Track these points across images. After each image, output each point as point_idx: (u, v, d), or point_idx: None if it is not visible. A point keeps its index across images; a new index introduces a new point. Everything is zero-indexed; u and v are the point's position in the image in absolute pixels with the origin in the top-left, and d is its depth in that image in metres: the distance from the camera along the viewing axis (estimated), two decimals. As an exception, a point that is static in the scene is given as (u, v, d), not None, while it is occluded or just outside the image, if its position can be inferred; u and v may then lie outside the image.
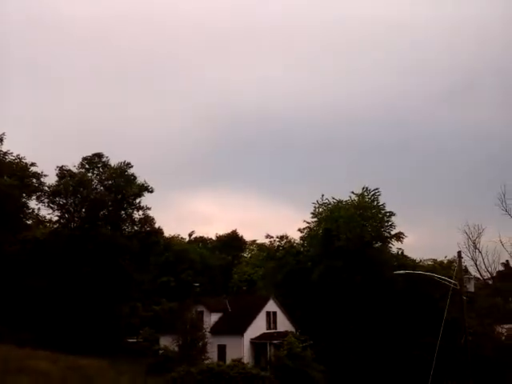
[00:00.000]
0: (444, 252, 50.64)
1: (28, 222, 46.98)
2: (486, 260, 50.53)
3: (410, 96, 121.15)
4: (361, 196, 47.88)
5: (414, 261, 45.27)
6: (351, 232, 43.63)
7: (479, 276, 50.37)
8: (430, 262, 44.54)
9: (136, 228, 47.45)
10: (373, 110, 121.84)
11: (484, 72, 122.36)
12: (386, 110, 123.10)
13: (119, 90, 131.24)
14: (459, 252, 26.04)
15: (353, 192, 48.16)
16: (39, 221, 48.61)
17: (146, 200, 47.79)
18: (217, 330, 39.63)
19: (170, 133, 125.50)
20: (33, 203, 45.60)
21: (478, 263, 50.80)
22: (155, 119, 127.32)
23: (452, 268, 35.97)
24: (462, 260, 25.85)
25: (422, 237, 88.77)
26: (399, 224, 46.33)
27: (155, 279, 61.78)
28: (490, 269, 50.79)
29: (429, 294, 39.17)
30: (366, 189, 47.84)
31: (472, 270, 48.02)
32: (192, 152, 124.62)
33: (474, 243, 50.57)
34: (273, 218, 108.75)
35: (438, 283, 28.87)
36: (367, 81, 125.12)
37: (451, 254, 43.75)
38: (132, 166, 47.72)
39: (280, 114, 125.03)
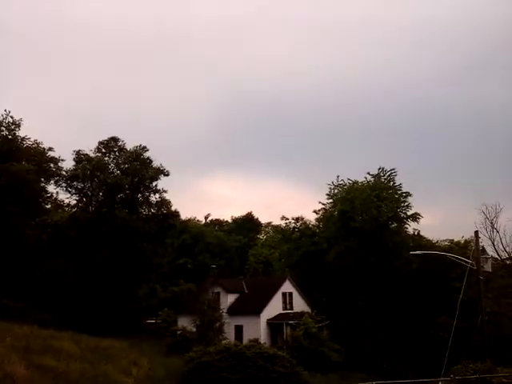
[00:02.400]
0: (461, 232, 50.01)
1: (47, 207, 47.67)
2: (503, 240, 50.03)
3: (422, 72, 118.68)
4: (377, 177, 47.63)
5: (430, 241, 45.03)
6: (367, 213, 43.53)
7: (497, 256, 49.91)
8: (446, 243, 44.29)
9: (153, 211, 47.85)
10: (386, 88, 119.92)
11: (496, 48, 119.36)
12: (399, 88, 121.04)
13: (133, 73, 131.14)
14: (476, 232, 25.89)
15: (368, 173, 47.97)
16: (58, 205, 49.35)
17: (162, 183, 48.18)
18: (234, 310, 40.16)
19: (184, 115, 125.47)
20: (51, 188, 46.20)
21: (495, 243, 50.35)
22: (171, 102, 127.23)
23: (469, 248, 35.85)
24: (480, 240, 25.70)
25: (438, 217, 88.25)
26: (415, 204, 46.12)
27: (173, 261, 62.59)
28: (507, 248, 50.29)
29: (445, 275, 39.08)
30: (381, 169, 47.59)
31: (489, 250, 47.42)
32: (207, 134, 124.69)
33: (491, 223, 50.11)
34: (288, 200, 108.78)
35: (454, 263, 28.85)
36: (373, 57, 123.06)
37: (468, 234, 43.45)
38: (148, 150, 47.98)
39: (294, 94, 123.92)
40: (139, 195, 47.50)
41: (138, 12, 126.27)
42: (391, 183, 47.16)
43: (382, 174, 47.50)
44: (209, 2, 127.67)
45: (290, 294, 42.55)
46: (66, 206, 49.54)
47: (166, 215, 47.54)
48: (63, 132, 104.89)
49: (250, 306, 40.30)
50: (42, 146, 45.23)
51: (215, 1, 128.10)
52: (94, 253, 41.33)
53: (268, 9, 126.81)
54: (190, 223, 75.78)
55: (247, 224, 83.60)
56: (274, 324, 39.51)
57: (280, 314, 40.27)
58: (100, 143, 47.70)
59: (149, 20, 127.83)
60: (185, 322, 37.42)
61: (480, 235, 24.51)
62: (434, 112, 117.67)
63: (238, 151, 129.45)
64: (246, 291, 43.04)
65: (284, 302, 41.84)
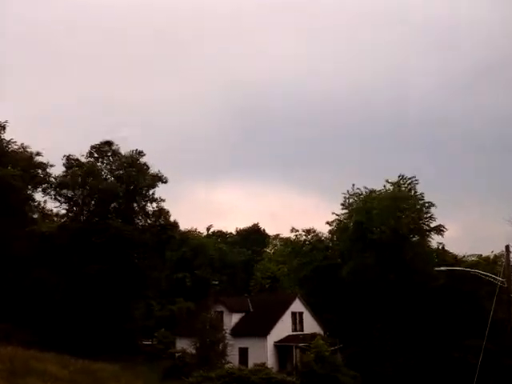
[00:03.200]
0: (490, 246, 49.61)
1: (34, 216, 47.80)
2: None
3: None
4: (396, 185, 47.36)
5: (455, 256, 44.65)
6: (386, 225, 43.22)
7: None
8: (473, 258, 43.88)
9: (149, 221, 47.86)
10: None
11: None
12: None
13: (125, 75, 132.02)
14: (507, 246, 25.56)
15: (387, 181, 47.67)
16: (45, 214, 49.46)
17: (159, 191, 48.20)
18: (238, 331, 39.88)
19: (185, 120, 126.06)
20: (39, 195, 46.44)
21: (528, 258, 49.77)
22: (171, 107, 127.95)
23: (499, 264, 35.43)
24: (511, 255, 25.38)
25: (463, 229, 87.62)
26: (438, 215, 45.80)
27: (171, 276, 62.45)
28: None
29: (473, 293, 38.66)
30: (402, 177, 47.27)
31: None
32: (209, 139, 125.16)
33: (523, 236, 49.60)
34: (298, 210, 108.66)
35: (483, 280, 28.47)
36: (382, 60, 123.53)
37: (498, 249, 42.99)
38: (144, 155, 48.15)
39: (302, 97, 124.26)
40: (135, 204, 47.53)
41: (139, 12, 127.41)
42: (412, 192, 46.87)
43: (402, 182, 47.23)
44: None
45: (301, 313, 42.24)
46: (55, 216, 49.63)
47: (164, 226, 47.52)
48: (52, 135, 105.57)
49: (256, 326, 40.02)
50: (30, 151, 45.50)
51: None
52: (85, 266, 41.29)
53: (279, 13, 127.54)
54: (191, 235, 75.70)
55: (253, 236, 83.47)
56: (283, 347, 39.20)
57: (289, 336, 39.95)
58: (92, 147, 47.86)
59: (148, 20, 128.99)
60: (184, 344, 37.20)
61: (511, 249, 24.17)
62: (452, 119, 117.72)
63: (243, 158, 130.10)
64: (252, 310, 42.77)
65: (294, 322, 41.51)
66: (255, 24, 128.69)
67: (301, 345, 38.05)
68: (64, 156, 46.92)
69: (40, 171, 45.48)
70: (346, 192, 48.75)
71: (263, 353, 37.81)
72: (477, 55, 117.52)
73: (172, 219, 48.45)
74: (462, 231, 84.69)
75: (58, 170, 46.44)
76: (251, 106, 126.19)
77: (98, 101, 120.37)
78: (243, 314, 42.16)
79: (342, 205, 48.78)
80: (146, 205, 47.69)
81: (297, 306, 42.32)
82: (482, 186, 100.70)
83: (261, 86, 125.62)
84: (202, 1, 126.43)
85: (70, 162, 46.68)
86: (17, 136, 49.68)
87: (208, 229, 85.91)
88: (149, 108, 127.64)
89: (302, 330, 41.35)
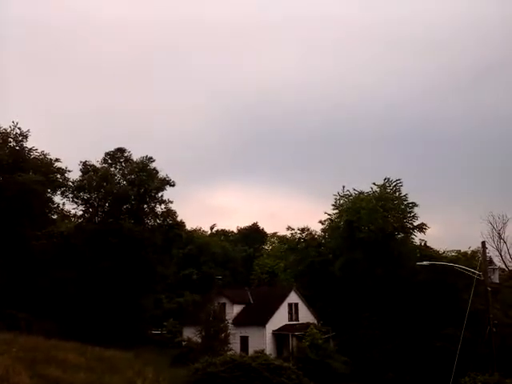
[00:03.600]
0: (468, 243, 49.82)
1: (53, 217, 47.84)
2: (511, 250, 49.67)
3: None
4: (382, 187, 47.54)
5: (437, 252, 44.71)
6: (373, 224, 43.40)
7: (504, 267, 49.53)
8: (453, 254, 43.96)
9: (158, 221, 47.88)
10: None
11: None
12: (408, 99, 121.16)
13: (139, 85, 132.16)
14: (483, 242, 25.70)
15: (374, 183, 47.89)
16: (64, 215, 49.50)
17: (167, 194, 48.22)
18: (239, 321, 39.98)
19: (190, 127, 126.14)
20: (58, 198, 46.33)
21: (502, 254, 50.13)
22: (175, 112, 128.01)
23: (476, 259, 35.55)
24: (487, 250, 25.53)
25: (444, 227, 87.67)
26: (421, 214, 45.96)
27: (178, 272, 62.53)
28: (515, 259, 49.88)
29: (452, 286, 38.70)
30: (387, 180, 47.51)
31: (497, 261, 47.26)
32: (213, 145, 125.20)
33: (498, 233, 49.87)
34: (294, 210, 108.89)
35: (461, 274, 28.57)
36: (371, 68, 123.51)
37: (475, 245, 43.16)
38: (154, 161, 48.09)
39: (297, 102, 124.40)
40: (145, 206, 47.59)
41: (142, 17, 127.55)
42: (397, 193, 47.05)
43: (387, 185, 47.42)
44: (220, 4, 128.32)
45: (296, 304, 42.34)
46: (73, 217, 49.69)
47: (172, 226, 47.56)
48: (70, 143, 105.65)
49: (256, 316, 40.11)
50: (49, 157, 45.53)
51: (226, 4, 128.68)
52: (99, 263, 41.37)
53: (278, 23, 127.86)
54: (196, 234, 75.75)
55: (253, 234, 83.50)
56: (280, 335, 39.28)
57: (286, 325, 40.03)
58: (107, 154, 47.93)
59: (149, 29, 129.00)
60: (190, 333, 37.30)
61: (487, 246, 24.35)
62: (435, 121, 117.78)
63: (243, 162, 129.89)
64: (252, 302, 42.88)
65: (290, 312, 41.61)
66: (255, 34, 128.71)
67: (296, 333, 38.17)
68: (81, 162, 47.07)
69: (59, 176, 45.49)
70: (337, 194, 49.01)
71: (262, 341, 37.91)
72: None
73: (179, 219, 48.48)
74: (444, 230, 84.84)
75: (75, 174, 46.63)
76: (250, 113, 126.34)
77: (105, 110, 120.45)
78: (244, 306, 42.27)
79: (334, 205, 49.01)
80: (155, 206, 47.76)
81: (293, 297, 42.43)
82: (463, 187, 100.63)
83: (259, 93, 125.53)
84: (203, 11, 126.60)
85: (86, 168, 46.76)
86: (38, 144, 49.93)
87: (212, 228, 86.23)
88: (159, 117, 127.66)
89: (298, 320, 41.45)
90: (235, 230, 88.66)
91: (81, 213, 47.46)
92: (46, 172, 43.60)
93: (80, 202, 46.41)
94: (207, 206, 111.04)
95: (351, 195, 48.59)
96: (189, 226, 64.03)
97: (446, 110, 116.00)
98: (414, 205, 45.83)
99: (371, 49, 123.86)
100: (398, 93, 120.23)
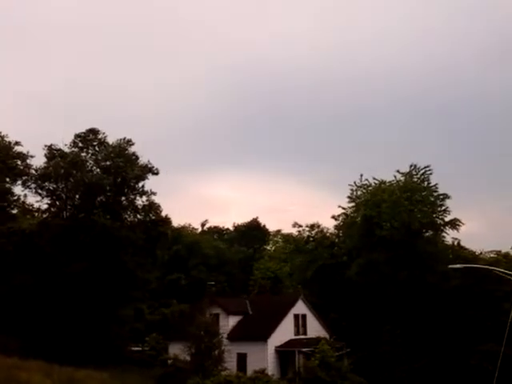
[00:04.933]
0: (510, 242, 49.83)
1: (13, 212, 47.78)
2: None
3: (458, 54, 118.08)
4: (408, 175, 47.53)
5: (473, 253, 44.89)
6: (396, 219, 43.45)
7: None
8: (492, 255, 44.11)
9: (139, 217, 47.80)
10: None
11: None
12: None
13: (116, 58, 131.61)
14: (528, 241, 25.78)
15: (398, 171, 47.87)
16: (26, 210, 49.44)
17: (150, 184, 48.09)
18: (236, 335, 40.06)
19: (176, 105, 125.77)
20: (18, 189, 46.24)
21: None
22: (160, 90, 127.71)
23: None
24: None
25: (482, 224, 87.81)
26: (454, 208, 46.04)
27: (163, 277, 62.63)
28: None
29: (491, 293, 38.87)
30: (414, 167, 47.46)
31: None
32: (204, 127, 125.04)
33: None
34: (302, 204, 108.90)
35: (502, 280, 28.66)
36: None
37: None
38: (133, 144, 47.91)
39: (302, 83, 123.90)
40: (123, 198, 47.51)
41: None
42: (425, 183, 47.04)
43: (414, 173, 47.40)
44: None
45: (304, 316, 42.42)
46: (36, 212, 49.64)
47: (155, 222, 47.53)
48: (33, 124, 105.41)
49: (256, 330, 40.19)
50: (8, 140, 45.41)
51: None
52: (68, 266, 41.33)
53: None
54: (184, 231, 75.91)
55: (252, 232, 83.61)
56: (284, 352, 39.39)
57: (291, 341, 40.12)
58: (77, 136, 47.66)
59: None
60: (177, 350, 37.36)
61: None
62: (470, 102, 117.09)
63: (240, 147, 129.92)
64: (251, 313, 42.94)
65: (296, 325, 41.68)
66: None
67: (304, 350, 38.23)
68: (45, 146, 46.72)
69: (19, 162, 45.34)
70: (353, 183, 48.95)
71: (263, 358, 37.96)
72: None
73: (163, 214, 48.32)
74: (482, 227, 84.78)
75: (39, 161, 46.33)
76: (252, 91, 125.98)
77: (81, 87, 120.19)
78: (241, 317, 42.32)
79: (349, 197, 49.06)
80: (135, 198, 47.59)
81: (300, 307, 42.48)
82: (500, 178, 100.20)
83: (262, 69, 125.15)
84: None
85: (52, 153, 46.50)
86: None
87: (203, 224, 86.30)
88: (135, 95, 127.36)
89: (306, 334, 41.53)
90: (231, 228, 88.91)
91: (46, 206, 47.38)
92: (4, 158, 43.49)
93: (45, 193, 46.26)
94: (198, 198, 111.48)
95: (370, 185, 48.60)
96: (175, 223, 64.09)
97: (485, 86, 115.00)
98: (446, 196, 45.86)
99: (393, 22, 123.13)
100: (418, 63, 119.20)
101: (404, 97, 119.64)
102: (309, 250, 50.76)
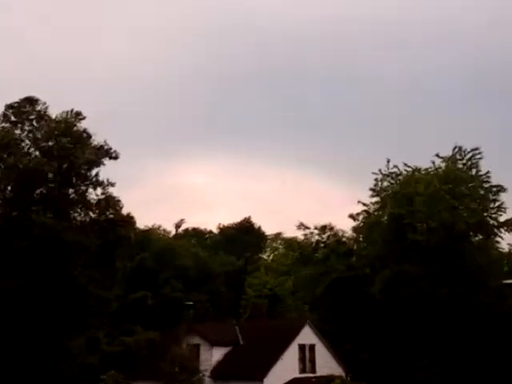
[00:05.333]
0: None
1: None
2: None
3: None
4: (450, 161, 47.46)
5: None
6: (435, 219, 43.39)
7: None
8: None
9: (92, 215, 47.70)
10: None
11: None
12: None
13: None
14: None
15: (438, 155, 47.76)
16: None
17: (107, 171, 48.01)
18: (221, 373, 40.08)
19: (141, 66, 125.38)
20: None
21: None
22: (119, 44, 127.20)
23: None
24: None
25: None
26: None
27: (125, 295, 62.54)
28: None
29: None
30: (458, 149, 47.37)
31: None
32: (178, 96, 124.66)
33: None
34: (309, 198, 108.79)
35: None
36: None
37: None
38: (84, 118, 47.79)
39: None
40: (71, 190, 47.40)
41: None
42: (473, 171, 47.00)
43: (458, 157, 47.34)
44: None
45: (312, 347, 42.41)
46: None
47: (114, 222, 47.42)
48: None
49: (248, 366, 40.20)
50: None
51: None
52: (-1, 281, 41.30)
53: None
54: (153, 235, 75.81)
55: (243, 236, 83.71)
56: (287, 395, 39.47)
57: (296, 380, 40.14)
58: (8, 107, 47.52)
59: None
60: (143, 392, 37.37)
61: None
62: None
63: (229, 121, 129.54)
64: (242, 343, 42.99)
65: (302, 359, 41.70)
66: None
67: (313, 392, 38.31)
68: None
69: None
70: (377, 171, 48.79)
71: (258, 405, 38.05)
72: None
73: (124, 212, 48.31)
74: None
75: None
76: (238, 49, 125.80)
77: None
78: (229, 349, 42.33)
79: (372, 190, 48.91)
80: (86, 191, 47.47)
81: (306, 336, 42.48)
82: None
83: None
84: None
85: (-24, 130, 46.48)
86: None
87: (178, 226, 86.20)
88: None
89: (314, 371, 41.55)
90: (215, 230, 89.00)
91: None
92: None
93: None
94: (171, 190, 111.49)
95: (400, 174, 48.49)
96: (141, 223, 63.93)
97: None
98: (501, 189, 45.85)
99: None
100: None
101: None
102: (319, 259, 50.74)
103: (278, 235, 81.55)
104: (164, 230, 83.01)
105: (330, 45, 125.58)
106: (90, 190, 47.59)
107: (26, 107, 47.78)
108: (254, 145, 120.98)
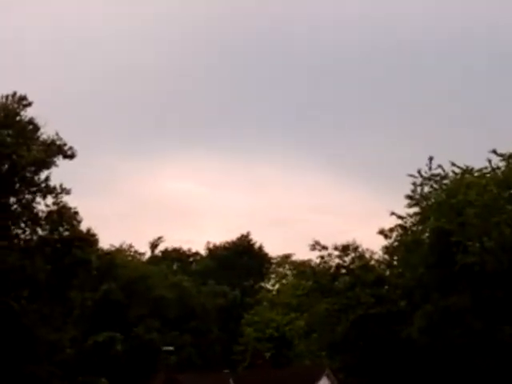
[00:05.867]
0: None
1: None
2: None
3: None
4: (511, 160, 47.52)
5: None
6: (492, 236, 43.30)
7: None
8: None
9: (41, 232, 47.84)
10: None
11: None
12: None
13: None
14: None
15: (495, 152, 47.72)
16: None
17: (60, 174, 48.14)
18: None
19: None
20: None
21: None
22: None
23: None
24: None
25: None
26: None
27: (84, 338, 62.60)
28: None
29: None
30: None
31: None
32: (155, 79, 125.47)
33: None
34: (325, 210, 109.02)
35: None
36: None
37: None
38: (30, 105, 47.92)
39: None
40: (12, 200, 47.48)
41: None
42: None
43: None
44: None
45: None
46: None
47: (69, 241, 47.50)
48: None
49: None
50: None
51: None
52: None
53: None
54: (121, 258, 75.83)
55: (240, 259, 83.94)
56: None
57: None
58: None
59: None
60: None
61: None
62: None
63: (217, 113, 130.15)
64: (238, 400, 43.05)
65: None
66: None
67: None
68: None
69: None
70: (416, 174, 48.76)
71: None
72: None
73: (84, 228, 48.43)
74: None
75: None
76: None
77: None
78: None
79: (409, 197, 48.81)
80: (33, 200, 47.68)
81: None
82: None
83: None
84: None
85: None
86: None
87: (154, 246, 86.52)
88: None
89: None
90: (203, 251, 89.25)
91: None
92: None
93: None
94: (146, 201, 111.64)
95: (446, 176, 48.48)
96: (106, 243, 63.98)
97: None
98: None
99: None
100: None
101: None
102: (340, 289, 50.63)
103: (285, 258, 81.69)
104: (136, 251, 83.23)
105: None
106: (38, 198, 47.84)
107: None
108: (254, 145, 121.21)
